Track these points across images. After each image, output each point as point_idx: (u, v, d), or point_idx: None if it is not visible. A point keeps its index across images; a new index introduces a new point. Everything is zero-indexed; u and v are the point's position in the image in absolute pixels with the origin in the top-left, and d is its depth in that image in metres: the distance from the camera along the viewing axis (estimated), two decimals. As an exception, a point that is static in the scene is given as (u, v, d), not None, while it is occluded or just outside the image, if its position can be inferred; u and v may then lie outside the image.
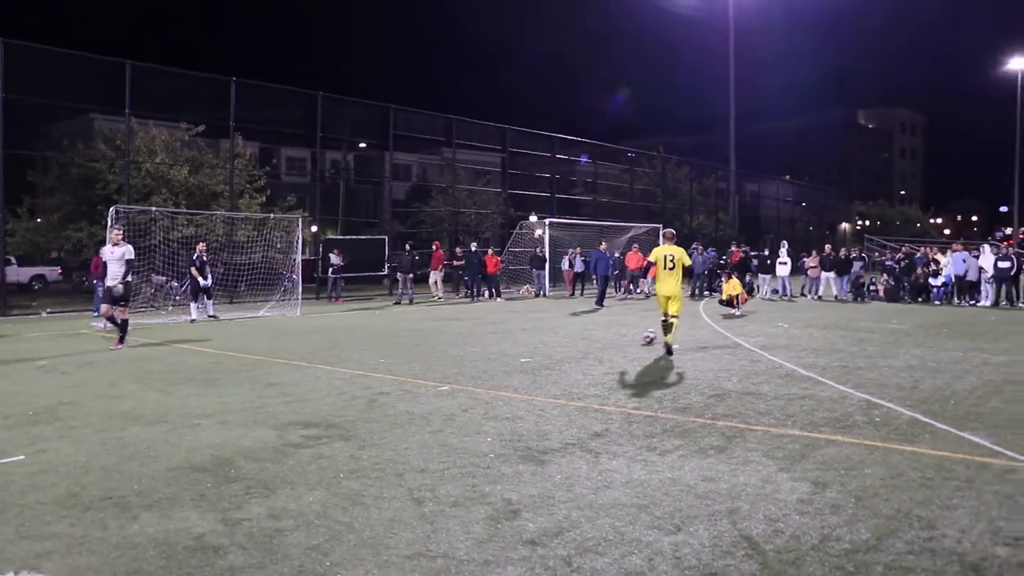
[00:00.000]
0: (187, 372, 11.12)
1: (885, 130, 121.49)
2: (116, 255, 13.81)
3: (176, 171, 26.92)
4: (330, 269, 27.12)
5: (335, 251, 27.51)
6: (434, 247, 28.90)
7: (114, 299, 13.87)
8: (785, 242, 30.47)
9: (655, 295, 13.71)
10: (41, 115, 25.77)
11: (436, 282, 28.48)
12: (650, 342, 13.83)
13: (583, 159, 41.64)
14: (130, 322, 14.56)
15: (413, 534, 4.73)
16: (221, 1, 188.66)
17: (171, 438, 7.13)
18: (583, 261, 30.70)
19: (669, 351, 12.60)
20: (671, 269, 12.73)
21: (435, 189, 42.23)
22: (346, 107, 31.32)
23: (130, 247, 14.05)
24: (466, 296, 28.81)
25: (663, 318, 12.82)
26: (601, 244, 26.05)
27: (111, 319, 14.08)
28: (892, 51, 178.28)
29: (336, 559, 4.36)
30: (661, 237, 14.38)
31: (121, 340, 14.10)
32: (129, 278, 13.95)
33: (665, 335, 12.78)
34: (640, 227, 34.90)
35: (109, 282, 13.85)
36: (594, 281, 29.98)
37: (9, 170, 22.21)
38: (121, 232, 14.38)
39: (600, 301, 24.47)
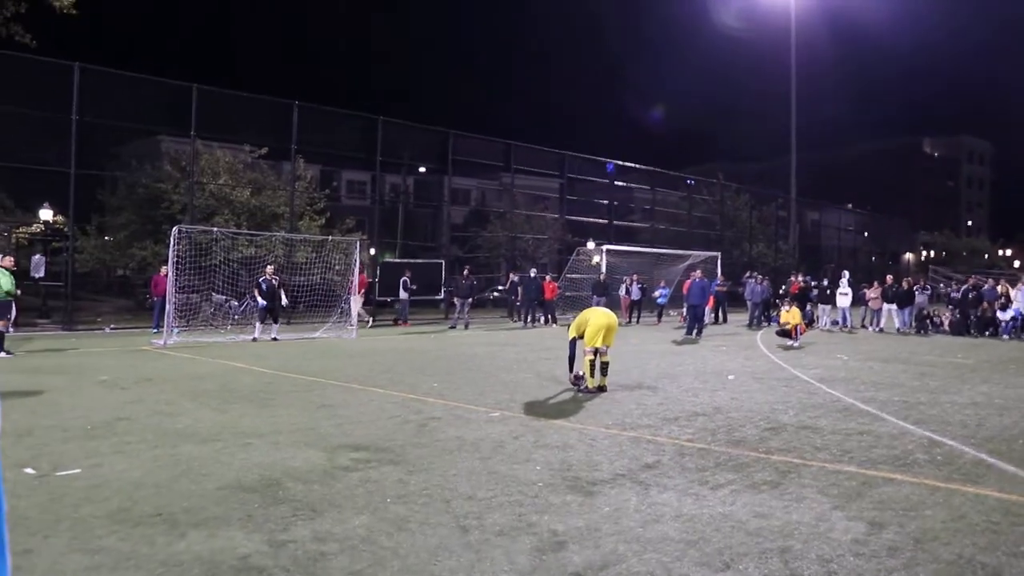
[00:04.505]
0: (242, 391, 11.26)
1: (952, 158, 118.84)
2: None
3: (238, 192, 27.51)
4: (401, 292, 27.16)
5: (409, 273, 27.53)
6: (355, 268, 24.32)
7: None
8: (846, 272, 29.96)
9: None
10: (111, 136, 26.53)
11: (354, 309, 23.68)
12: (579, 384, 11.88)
13: (609, 167, 41.02)
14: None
15: (457, 562, 4.69)
16: (284, 27, 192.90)
17: (222, 457, 7.20)
18: (640, 288, 30.55)
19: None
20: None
21: (493, 214, 42.43)
22: (406, 131, 31.62)
23: None
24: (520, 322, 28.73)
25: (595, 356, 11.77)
26: (696, 272, 25.66)
27: None
28: (959, 78, 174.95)
29: (379, 586, 4.34)
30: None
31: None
32: None
33: (603, 375, 11.80)
34: (699, 255, 34.56)
35: None
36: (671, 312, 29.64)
37: (80, 189, 22.89)
38: None
39: (690, 331, 23.85)
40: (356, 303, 24.16)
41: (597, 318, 11.80)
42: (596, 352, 11.66)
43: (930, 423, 9.43)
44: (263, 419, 9.10)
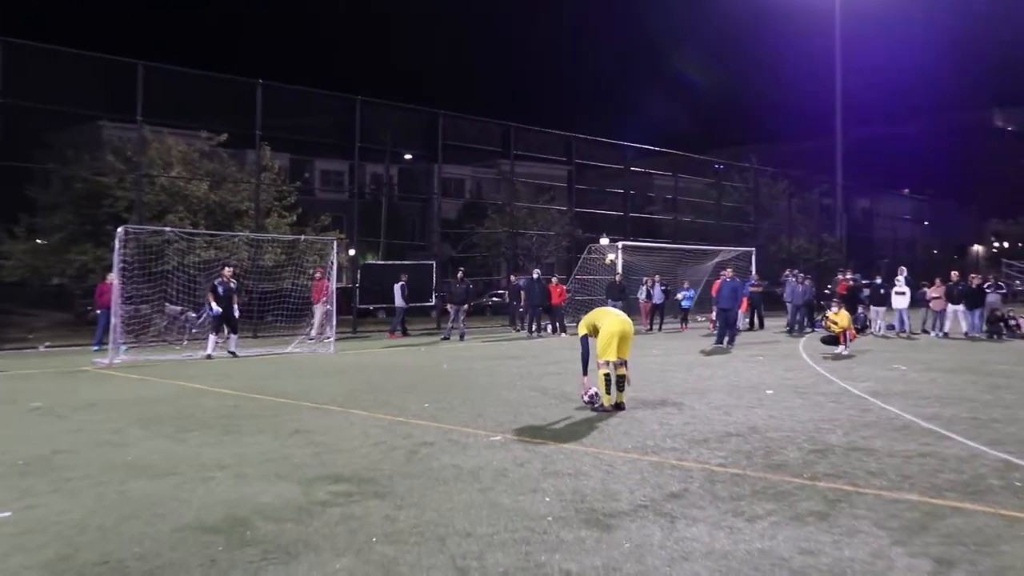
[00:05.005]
0: (202, 417, 11.27)
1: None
2: None
3: (194, 186, 27.48)
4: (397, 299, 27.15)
5: (405, 277, 27.54)
6: (317, 274, 25.29)
7: None
8: (903, 268, 29.93)
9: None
10: (42, 122, 26.47)
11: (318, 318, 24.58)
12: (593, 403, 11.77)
13: (626, 151, 40.70)
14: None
15: (454, 611, 4.69)
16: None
17: (180, 494, 7.21)
18: (663, 290, 30.62)
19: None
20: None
21: (491, 207, 42.47)
22: (389, 113, 31.54)
23: None
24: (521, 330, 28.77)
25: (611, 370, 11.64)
26: (726, 271, 25.65)
27: None
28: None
29: (363, 639, 4.34)
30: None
31: None
32: None
33: (619, 391, 11.74)
34: (729, 251, 34.56)
35: None
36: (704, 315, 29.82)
37: (5, 184, 22.86)
38: None
39: (720, 339, 23.96)
40: (320, 311, 24.29)
41: (610, 323, 11.72)
42: (611, 365, 11.64)
43: (1006, 443, 9.43)
44: (227, 448, 9.11)
